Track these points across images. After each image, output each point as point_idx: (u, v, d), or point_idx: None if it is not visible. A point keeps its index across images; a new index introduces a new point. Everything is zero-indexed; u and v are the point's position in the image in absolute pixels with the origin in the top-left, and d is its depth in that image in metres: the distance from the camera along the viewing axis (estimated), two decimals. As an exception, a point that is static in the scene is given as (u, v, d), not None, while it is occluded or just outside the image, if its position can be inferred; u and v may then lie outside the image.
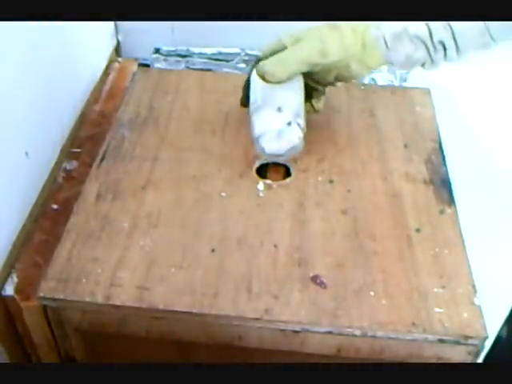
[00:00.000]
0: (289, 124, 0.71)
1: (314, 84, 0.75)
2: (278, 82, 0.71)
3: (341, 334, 0.61)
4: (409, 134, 0.82)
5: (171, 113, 0.84)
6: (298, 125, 0.71)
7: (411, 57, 0.67)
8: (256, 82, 0.74)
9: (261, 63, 0.71)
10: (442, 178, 0.76)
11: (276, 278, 0.64)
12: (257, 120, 0.72)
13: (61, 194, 0.75)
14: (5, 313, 0.66)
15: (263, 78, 0.71)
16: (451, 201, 0.73)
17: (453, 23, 0.64)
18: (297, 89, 0.73)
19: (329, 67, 0.71)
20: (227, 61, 0.99)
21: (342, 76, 0.72)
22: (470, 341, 0.60)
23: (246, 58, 0.98)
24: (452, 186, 0.75)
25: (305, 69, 0.70)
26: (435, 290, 0.64)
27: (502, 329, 0.81)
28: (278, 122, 0.71)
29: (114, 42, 1.00)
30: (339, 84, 0.75)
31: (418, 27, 0.66)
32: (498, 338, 0.78)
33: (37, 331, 0.67)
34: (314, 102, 0.77)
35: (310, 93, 0.76)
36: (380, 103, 0.87)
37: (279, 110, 0.71)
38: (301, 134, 0.72)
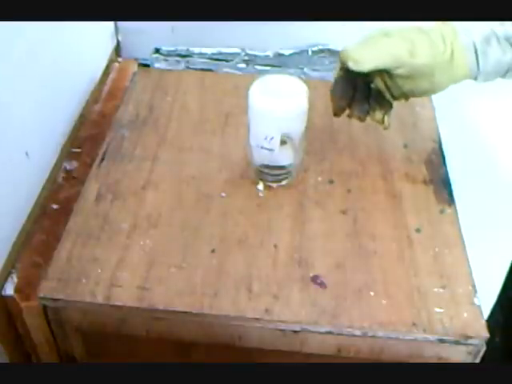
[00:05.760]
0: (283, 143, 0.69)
1: (386, 92, 0.70)
2: (359, 73, 0.66)
3: (341, 334, 0.61)
4: (409, 134, 0.82)
5: (171, 113, 0.84)
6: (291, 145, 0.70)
7: (500, 61, 0.64)
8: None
9: (345, 47, 0.66)
10: (442, 178, 0.76)
11: (276, 278, 0.64)
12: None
13: (61, 194, 0.75)
14: (5, 313, 0.66)
15: (344, 64, 0.66)
16: (451, 201, 0.73)
17: None
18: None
19: (413, 72, 0.65)
20: (227, 61, 0.98)
21: (421, 87, 0.67)
22: (470, 341, 0.60)
23: (246, 57, 0.98)
24: (452, 186, 0.75)
25: (390, 63, 0.65)
26: (435, 289, 0.64)
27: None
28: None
29: (114, 42, 1.00)
30: (411, 99, 0.70)
31: (505, 28, 0.63)
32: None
33: (37, 331, 0.67)
34: (377, 114, 0.72)
35: (374, 104, 0.72)
36: (380, 103, 0.86)
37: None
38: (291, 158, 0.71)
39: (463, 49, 0.64)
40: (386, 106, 0.72)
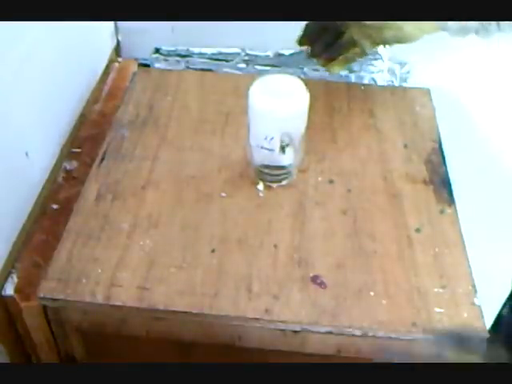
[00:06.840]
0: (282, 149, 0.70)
1: (360, 40, 0.75)
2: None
3: (341, 334, 0.61)
4: (409, 134, 0.82)
5: (171, 113, 0.84)
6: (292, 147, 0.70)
7: (466, 23, 0.67)
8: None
9: None
10: (442, 178, 0.76)
11: (276, 278, 0.64)
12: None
13: (61, 194, 0.75)
14: (5, 313, 0.66)
15: None
16: (451, 201, 0.73)
17: None
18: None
19: (382, 24, 0.71)
20: (227, 61, 0.98)
21: (397, 37, 0.72)
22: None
23: (246, 57, 0.98)
24: (452, 186, 0.75)
25: None
26: (435, 289, 0.64)
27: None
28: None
29: (114, 42, 1.00)
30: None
31: None
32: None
33: (37, 331, 0.67)
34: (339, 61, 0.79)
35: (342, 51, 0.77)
36: (380, 103, 0.87)
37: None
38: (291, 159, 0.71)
39: None
40: (357, 54, 0.78)
